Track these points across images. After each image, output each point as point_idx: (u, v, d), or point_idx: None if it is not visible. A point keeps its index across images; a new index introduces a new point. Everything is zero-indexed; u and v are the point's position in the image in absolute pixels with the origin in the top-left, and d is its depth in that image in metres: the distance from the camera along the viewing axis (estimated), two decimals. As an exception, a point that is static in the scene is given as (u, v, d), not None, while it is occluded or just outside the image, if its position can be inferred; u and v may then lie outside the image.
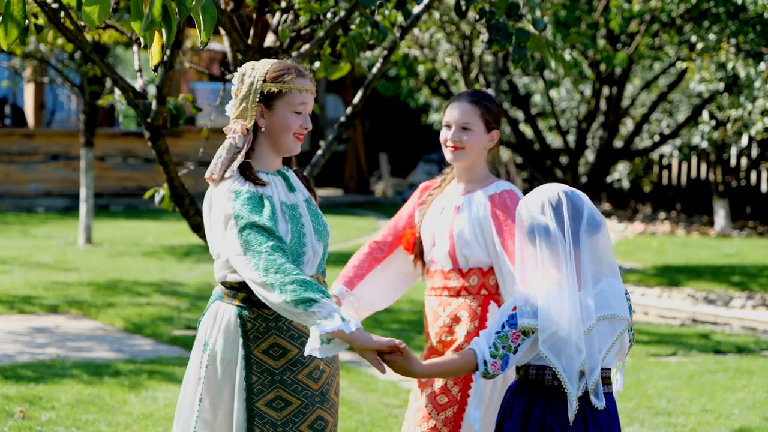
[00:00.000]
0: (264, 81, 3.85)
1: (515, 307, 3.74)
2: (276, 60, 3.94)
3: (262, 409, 3.79)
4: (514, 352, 3.72)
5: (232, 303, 3.85)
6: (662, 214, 20.65)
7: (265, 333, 3.81)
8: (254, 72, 3.87)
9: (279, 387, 3.80)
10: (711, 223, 19.21)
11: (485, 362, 3.71)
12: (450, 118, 4.68)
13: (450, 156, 4.69)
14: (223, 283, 3.89)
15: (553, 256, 3.73)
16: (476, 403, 4.16)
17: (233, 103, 3.90)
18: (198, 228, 5.84)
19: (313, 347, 3.53)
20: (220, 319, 3.87)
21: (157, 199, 6.10)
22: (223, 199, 3.79)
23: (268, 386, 3.80)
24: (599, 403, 3.77)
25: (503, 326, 3.74)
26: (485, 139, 4.70)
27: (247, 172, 3.84)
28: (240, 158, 3.84)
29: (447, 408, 4.54)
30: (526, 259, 3.78)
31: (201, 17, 3.41)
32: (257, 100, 3.86)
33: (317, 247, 3.88)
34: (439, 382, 4.54)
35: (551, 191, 3.80)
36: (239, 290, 3.85)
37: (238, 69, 3.94)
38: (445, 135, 4.69)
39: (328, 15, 5.97)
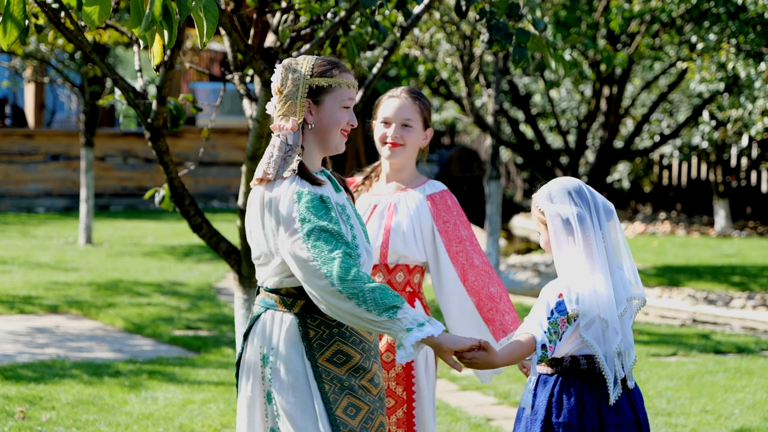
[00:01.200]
0: (311, 75, 3.72)
1: (561, 294, 3.83)
2: (316, 56, 3.82)
3: (341, 416, 3.64)
4: (560, 339, 3.80)
5: (290, 311, 3.67)
6: (662, 215, 20.66)
7: (329, 340, 3.65)
8: (299, 67, 3.73)
9: (349, 394, 3.66)
10: (711, 224, 19.21)
11: (544, 346, 3.75)
12: (390, 114, 4.57)
13: (388, 153, 4.59)
14: (277, 290, 3.70)
15: (588, 242, 3.87)
16: (431, 402, 4.31)
17: (276, 100, 3.75)
18: (198, 228, 5.84)
19: (407, 354, 3.48)
20: (278, 329, 3.68)
21: (157, 199, 6.10)
22: (284, 201, 3.61)
23: (339, 394, 3.65)
24: (631, 383, 3.94)
25: (552, 313, 3.81)
26: (422, 137, 4.65)
27: (304, 171, 3.69)
28: (297, 157, 3.68)
29: (397, 409, 4.49)
30: (563, 248, 3.89)
31: (202, 17, 3.41)
32: (305, 95, 3.72)
33: (369, 248, 3.78)
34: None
35: (568, 182, 3.95)
36: (297, 297, 3.67)
37: (278, 64, 3.79)
38: (383, 131, 4.58)
39: (329, 15, 5.96)
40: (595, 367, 3.89)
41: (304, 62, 3.74)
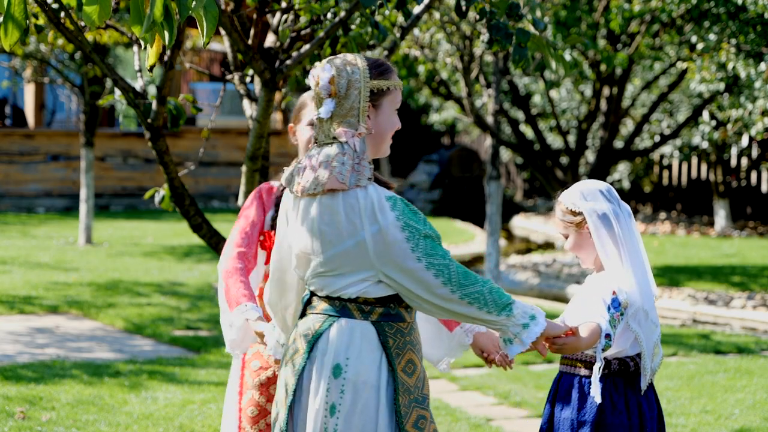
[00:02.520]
0: (371, 78, 3.58)
1: (614, 291, 3.89)
2: (363, 55, 3.68)
3: (410, 431, 3.56)
4: (614, 334, 3.86)
5: (368, 319, 3.55)
6: (662, 215, 20.66)
7: (403, 349, 3.57)
8: (356, 68, 3.57)
9: (417, 406, 3.57)
10: (711, 224, 19.21)
11: (608, 335, 3.80)
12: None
13: None
14: (354, 299, 3.55)
15: (628, 236, 4.05)
16: None
17: (332, 103, 3.58)
18: (198, 228, 5.84)
19: (521, 349, 3.52)
20: (358, 338, 3.55)
21: (157, 199, 6.10)
22: (373, 209, 3.48)
23: (409, 406, 3.56)
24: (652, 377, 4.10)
25: (609, 309, 3.85)
26: None
27: (376, 178, 3.59)
28: (370, 164, 3.55)
29: None
30: (605, 244, 4.00)
31: (203, 17, 3.40)
32: (367, 98, 3.58)
33: None
34: None
35: (595, 183, 4.11)
36: (374, 305, 3.55)
37: (326, 65, 3.62)
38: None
39: (329, 15, 5.97)
40: (629, 367, 4.01)
41: (359, 63, 3.59)
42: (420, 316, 4.10)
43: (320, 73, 3.60)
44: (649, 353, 3.99)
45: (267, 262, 4.36)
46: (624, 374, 4.01)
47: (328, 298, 3.58)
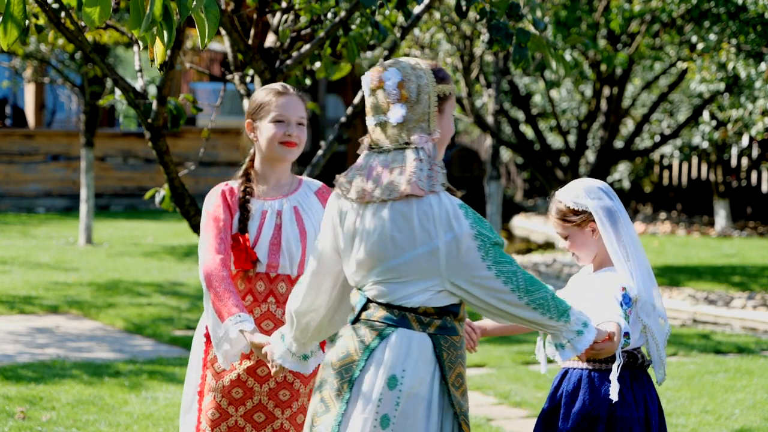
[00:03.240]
0: (436, 83, 3.54)
1: (623, 288, 3.93)
2: (422, 59, 3.63)
3: None
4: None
5: (426, 331, 3.51)
6: (663, 215, 20.66)
7: (455, 363, 3.55)
8: (422, 72, 3.54)
9: (463, 420, 3.56)
10: (711, 224, 19.21)
11: (626, 334, 3.84)
12: (286, 112, 4.26)
13: (286, 153, 4.28)
14: (414, 309, 3.51)
15: (631, 232, 4.05)
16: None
17: (403, 108, 3.52)
18: (199, 228, 5.84)
19: (570, 357, 3.54)
20: (415, 350, 3.50)
21: (157, 199, 6.10)
22: (448, 217, 3.45)
23: (454, 420, 3.54)
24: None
25: (621, 305, 3.87)
26: None
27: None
28: (443, 170, 3.51)
29: (292, 403, 4.29)
30: (613, 242, 4.01)
31: (203, 18, 3.40)
32: (435, 104, 3.54)
33: None
34: (281, 375, 4.26)
35: (594, 181, 4.13)
36: (434, 317, 3.52)
37: (391, 69, 3.55)
38: (281, 130, 4.25)
39: (329, 15, 5.97)
40: (636, 360, 4.05)
41: (424, 67, 3.55)
42: (332, 302, 4.15)
43: (384, 76, 3.54)
44: (662, 344, 4.02)
45: (236, 265, 4.25)
46: (631, 367, 4.03)
47: (387, 306, 3.52)
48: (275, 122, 4.25)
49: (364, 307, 3.56)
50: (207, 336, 4.26)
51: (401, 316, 3.51)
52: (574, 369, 4.05)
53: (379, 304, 3.53)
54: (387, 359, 3.49)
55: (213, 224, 4.23)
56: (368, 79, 3.58)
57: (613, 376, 3.86)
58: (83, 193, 14.87)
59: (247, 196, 4.29)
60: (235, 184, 4.35)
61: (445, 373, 3.51)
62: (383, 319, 3.52)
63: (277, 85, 4.34)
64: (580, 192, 4.07)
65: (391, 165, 3.49)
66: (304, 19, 6.10)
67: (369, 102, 3.58)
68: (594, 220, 4.05)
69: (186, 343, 9.05)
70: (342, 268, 3.65)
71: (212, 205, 4.28)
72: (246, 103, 5.91)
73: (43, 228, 17.04)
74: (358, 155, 3.63)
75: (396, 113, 3.51)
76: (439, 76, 3.55)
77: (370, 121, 3.58)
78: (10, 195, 19.78)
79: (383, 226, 3.48)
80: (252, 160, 4.38)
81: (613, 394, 3.86)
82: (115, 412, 6.97)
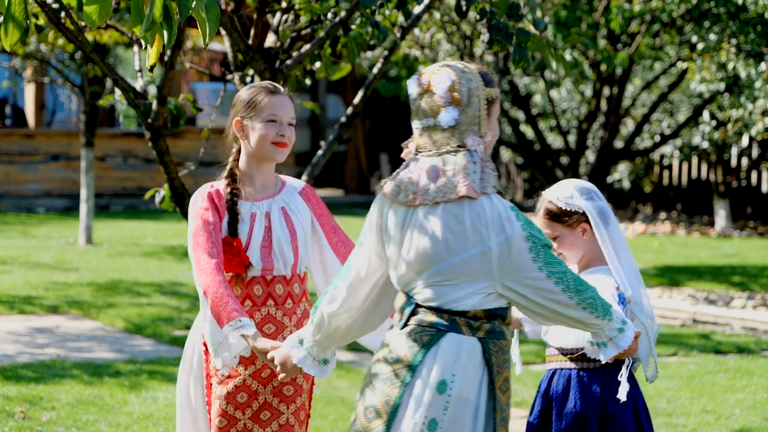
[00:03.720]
0: (485, 86, 3.56)
1: (617, 287, 3.98)
2: (471, 63, 3.63)
3: None
4: None
5: (475, 335, 3.51)
6: (663, 215, 20.66)
7: (502, 367, 3.55)
8: (471, 75, 3.54)
9: (504, 425, 3.56)
10: (711, 224, 19.21)
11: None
12: (278, 112, 4.19)
13: (277, 153, 4.21)
14: (464, 313, 3.51)
15: (619, 231, 4.10)
16: None
17: (455, 111, 3.51)
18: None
19: (612, 354, 3.59)
20: (465, 355, 3.50)
21: (157, 199, 6.10)
22: (500, 219, 3.46)
23: (499, 425, 3.55)
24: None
25: (617, 305, 3.92)
26: None
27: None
28: (494, 172, 3.52)
29: (296, 398, 4.26)
30: (606, 241, 4.05)
31: (204, 18, 3.40)
32: (485, 107, 3.55)
33: None
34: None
35: (581, 182, 4.15)
36: (483, 321, 3.52)
37: (442, 72, 3.55)
38: (273, 130, 4.19)
39: (329, 15, 5.97)
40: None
41: (472, 70, 3.56)
42: (368, 306, 4.14)
43: (434, 80, 3.54)
44: (653, 341, 4.04)
45: (228, 269, 4.17)
46: (620, 364, 4.04)
47: (437, 311, 3.51)
48: (268, 122, 4.19)
49: (413, 312, 3.55)
50: (206, 345, 4.18)
51: (451, 320, 3.50)
52: (563, 369, 4.05)
53: (429, 308, 3.52)
54: (437, 364, 3.49)
55: (203, 228, 4.15)
56: (415, 83, 3.57)
57: (623, 376, 3.88)
58: (83, 193, 14.87)
59: (235, 198, 4.21)
60: (221, 185, 4.25)
61: (494, 378, 3.51)
62: (433, 325, 3.51)
63: (267, 84, 4.27)
64: (573, 192, 4.08)
65: (443, 168, 3.49)
66: (304, 19, 6.10)
67: (415, 106, 3.57)
68: (585, 221, 4.06)
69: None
70: (382, 273, 3.65)
71: (200, 208, 4.18)
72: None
73: (43, 228, 17.04)
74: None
75: (447, 116, 3.52)
76: (486, 79, 3.56)
77: (417, 124, 3.57)
78: (10, 195, 19.78)
79: (435, 228, 3.48)
80: (236, 160, 4.28)
81: (622, 394, 3.89)
82: (115, 412, 6.97)
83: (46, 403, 7.10)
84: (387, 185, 3.58)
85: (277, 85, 4.29)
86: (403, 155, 3.62)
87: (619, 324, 3.58)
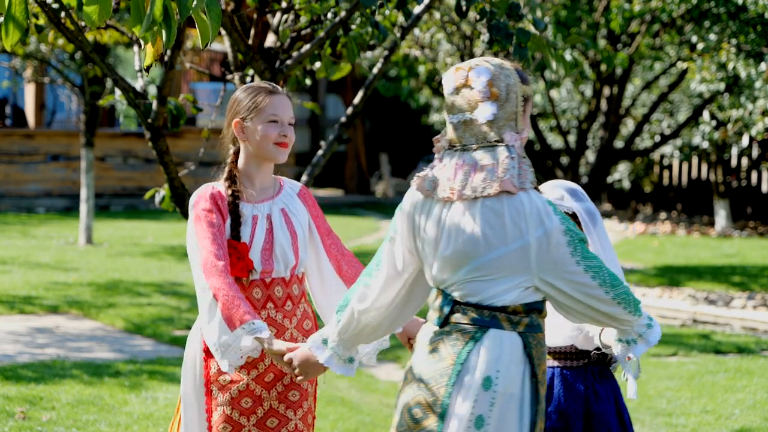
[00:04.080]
0: (521, 83, 3.57)
1: None
2: (504, 59, 3.63)
3: None
4: None
5: (516, 330, 3.51)
6: (663, 215, 20.66)
7: (542, 359, 3.57)
8: (509, 71, 3.55)
9: (542, 416, 3.58)
10: (711, 224, 19.21)
11: None
12: (280, 112, 4.15)
13: (280, 154, 4.17)
14: (504, 308, 3.51)
15: (605, 231, 4.13)
16: None
17: (494, 106, 3.52)
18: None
19: (643, 351, 3.60)
20: (507, 350, 3.51)
21: (157, 199, 6.10)
22: (539, 213, 3.47)
23: (538, 416, 3.57)
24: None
25: None
26: None
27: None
28: (531, 168, 3.53)
29: (302, 402, 4.22)
30: (596, 241, 4.06)
31: (205, 18, 3.40)
32: (522, 103, 3.57)
33: None
34: (288, 378, 4.17)
35: (568, 183, 4.17)
36: (523, 315, 3.52)
37: (480, 67, 3.55)
38: (275, 130, 4.14)
39: (329, 15, 5.97)
40: (606, 356, 4.12)
41: (509, 67, 3.57)
42: (397, 303, 4.12)
43: (471, 75, 3.53)
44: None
45: (231, 273, 4.08)
46: (601, 363, 4.07)
47: (476, 307, 3.51)
48: (269, 122, 4.14)
49: (452, 310, 3.53)
50: (206, 351, 4.13)
51: (492, 316, 3.50)
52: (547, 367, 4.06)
53: (468, 305, 3.51)
54: (481, 361, 3.49)
55: (208, 230, 4.09)
56: (452, 77, 3.56)
57: (630, 373, 3.84)
58: (83, 193, 14.87)
59: (237, 200, 4.15)
60: (221, 186, 4.19)
61: (535, 371, 3.52)
62: (474, 321, 3.51)
63: (265, 84, 4.23)
64: (563, 194, 4.09)
65: (480, 163, 3.49)
66: (304, 19, 6.10)
67: (450, 100, 3.56)
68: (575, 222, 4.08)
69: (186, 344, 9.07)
70: (413, 269, 3.63)
71: (203, 210, 4.12)
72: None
73: (43, 228, 17.04)
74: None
75: (486, 111, 3.52)
76: (522, 77, 3.57)
77: (452, 119, 3.56)
78: (10, 195, 19.78)
79: (474, 224, 3.47)
80: (233, 162, 4.22)
81: (631, 392, 3.86)
82: (115, 412, 6.97)
83: (46, 403, 7.10)
84: (421, 181, 3.56)
85: (275, 84, 4.26)
86: (434, 150, 3.60)
87: (646, 320, 3.59)
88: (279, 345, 3.89)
